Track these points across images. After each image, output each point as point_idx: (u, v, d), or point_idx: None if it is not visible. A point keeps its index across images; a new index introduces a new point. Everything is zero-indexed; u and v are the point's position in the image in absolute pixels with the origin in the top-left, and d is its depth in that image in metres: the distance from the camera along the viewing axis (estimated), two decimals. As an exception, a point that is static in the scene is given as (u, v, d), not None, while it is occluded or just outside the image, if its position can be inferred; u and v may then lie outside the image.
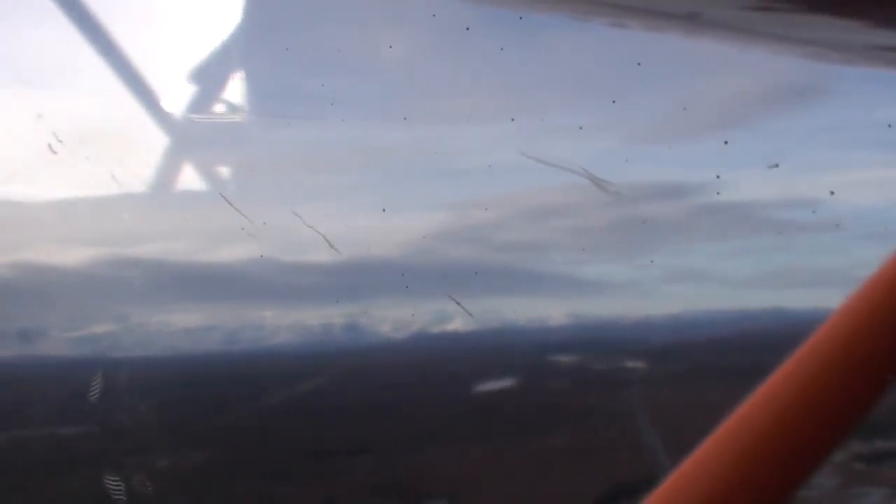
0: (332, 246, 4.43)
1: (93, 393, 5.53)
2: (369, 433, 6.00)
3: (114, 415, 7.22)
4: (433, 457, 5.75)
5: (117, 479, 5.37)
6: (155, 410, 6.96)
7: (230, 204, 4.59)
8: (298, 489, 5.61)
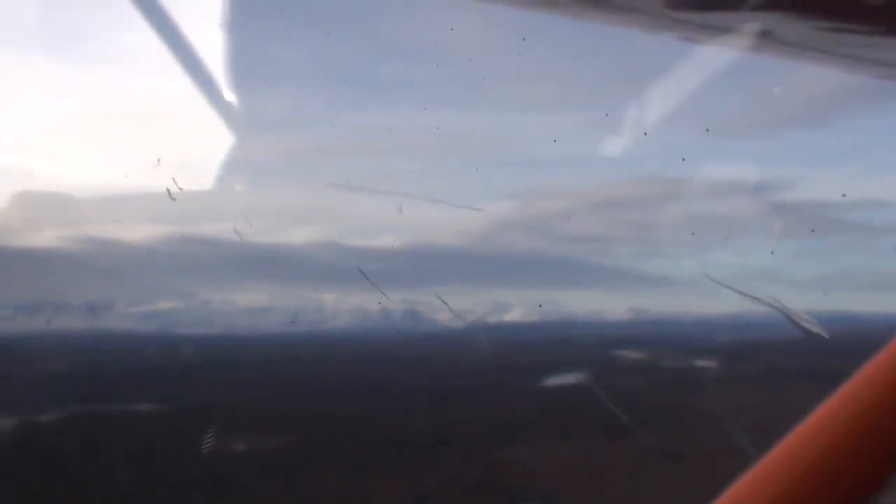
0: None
1: (205, 444, 5.46)
2: (448, 424, 5.92)
3: (184, 393, 7.30)
4: (520, 453, 5.63)
5: (196, 462, 5.31)
6: (225, 390, 7.02)
7: (367, 279, 4.54)
8: (387, 482, 5.45)
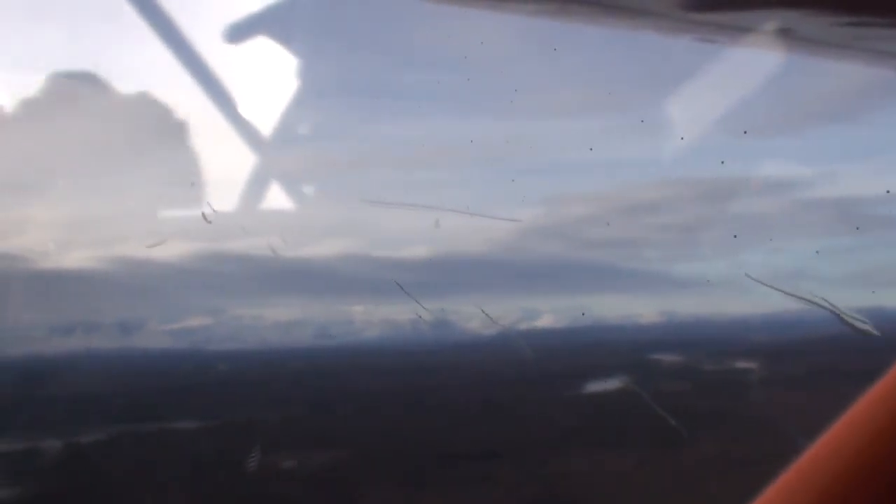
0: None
1: (252, 461, 5.44)
2: (496, 435, 5.77)
3: (222, 409, 7.23)
4: (577, 464, 5.45)
5: (246, 479, 5.26)
6: (264, 406, 6.96)
7: (403, 290, 4.50)
8: (446, 498, 5.29)
